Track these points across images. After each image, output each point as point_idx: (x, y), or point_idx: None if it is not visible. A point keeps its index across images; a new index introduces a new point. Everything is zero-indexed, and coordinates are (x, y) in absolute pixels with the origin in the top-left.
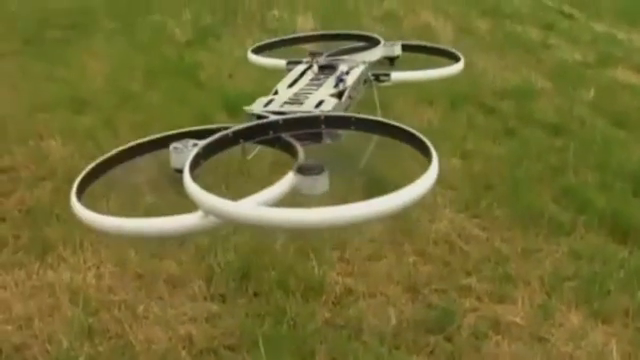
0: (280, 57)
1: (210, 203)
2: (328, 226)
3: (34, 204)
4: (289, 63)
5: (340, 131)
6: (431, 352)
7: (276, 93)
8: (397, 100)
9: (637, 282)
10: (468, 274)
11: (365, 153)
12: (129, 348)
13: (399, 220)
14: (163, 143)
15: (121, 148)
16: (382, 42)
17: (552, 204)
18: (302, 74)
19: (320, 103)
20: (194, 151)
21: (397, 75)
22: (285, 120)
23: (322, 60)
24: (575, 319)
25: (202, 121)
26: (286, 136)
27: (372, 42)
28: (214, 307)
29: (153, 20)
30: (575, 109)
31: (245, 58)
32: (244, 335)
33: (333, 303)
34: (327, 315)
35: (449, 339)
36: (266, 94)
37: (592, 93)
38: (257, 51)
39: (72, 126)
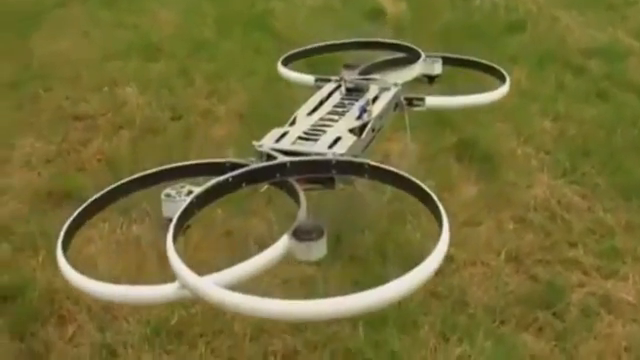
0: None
1: (182, 277)
2: (293, 320)
3: (113, 154)
4: (317, 80)
5: (354, 178)
6: (540, 329)
7: (294, 122)
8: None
9: None
10: (572, 245)
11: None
12: (220, 314)
13: (495, 184)
14: (156, 179)
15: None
16: (422, 56)
17: None
18: (328, 96)
19: (337, 140)
20: (186, 202)
21: (432, 100)
22: (293, 163)
23: (351, 80)
24: None
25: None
26: (293, 181)
27: (411, 53)
28: (308, 270)
29: None
30: None
31: (318, 8)
32: None
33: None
34: (428, 284)
35: (558, 316)
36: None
37: None
38: (287, 61)
39: (146, 74)
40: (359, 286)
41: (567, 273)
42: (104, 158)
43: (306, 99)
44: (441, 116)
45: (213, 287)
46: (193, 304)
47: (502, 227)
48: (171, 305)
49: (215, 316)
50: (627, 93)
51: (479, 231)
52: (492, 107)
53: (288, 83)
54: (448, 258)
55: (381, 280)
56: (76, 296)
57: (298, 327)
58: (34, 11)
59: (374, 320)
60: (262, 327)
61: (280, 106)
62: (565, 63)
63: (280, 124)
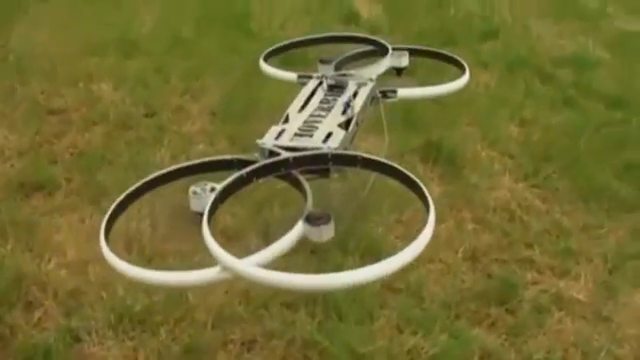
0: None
1: (225, 261)
2: (322, 291)
3: (85, 147)
4: (300, 77)
5: (348, 168)
6: (492, 324)
7: (287, 119)
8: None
9: None
10: (529, 246)
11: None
12: (185, 300)
13: (457, 185)
14: (174, 176)
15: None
16: (390, 49)
17: (613, 179)
18: (312, 93)
19: (329, 136)
20: (212, 197)
21: (403, 92)
22: (295, 158)
23: (332, 77)
24: (639, 300)
25: (255, 71)
26: (296, 173)
27: (379, 47)
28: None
29: None
30: (636, 81)
31: (296, 10)
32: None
33: None
34: (385, 278)
35: (511, 312)
36: None
37: None
38: (268, 56)
39: (122, 70)
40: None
41: (522, 272)
42: (76, 152)
43: (277, 98)
44: (409, 118)
45: (253, 268)
46: (156, 292)
47: (462, 227)
48: (134, 292)
49: (177, 304)
50: (593, 101)
51: (440, 230)
52: (460, 110)
53: (261, 82)
54: None
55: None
56: (44, 282)
57: (257, 315)
58: (15, 4)
59: (329, 308)
60: (222, 316)
61: (251, 104)
62: (535, 71)
63: (250, 122)
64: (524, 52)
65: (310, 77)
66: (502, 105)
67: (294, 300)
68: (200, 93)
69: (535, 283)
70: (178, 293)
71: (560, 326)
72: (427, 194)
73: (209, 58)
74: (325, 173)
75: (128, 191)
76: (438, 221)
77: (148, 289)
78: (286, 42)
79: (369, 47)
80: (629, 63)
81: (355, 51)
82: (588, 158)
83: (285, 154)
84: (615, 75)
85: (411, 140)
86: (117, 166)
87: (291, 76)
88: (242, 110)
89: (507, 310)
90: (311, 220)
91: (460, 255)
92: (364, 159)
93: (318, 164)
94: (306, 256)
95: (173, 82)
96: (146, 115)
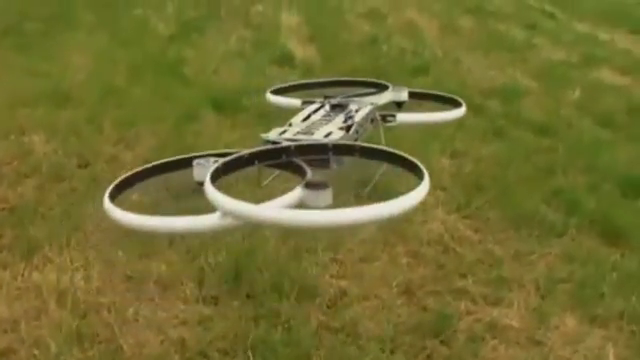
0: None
1: (230, 206)
2: (336, 227)
3: (18, 202)
4: (304, 102)
5: (345, 158)
6: (428, 356)
7: (290, 125)
8: None
9: (630, 285)
10: (462, 276)
11: (371, 180)
12: (119, 353)
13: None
14: (188, 162)
15: (150, 165)
16: (390, 87)
17: (543, 206)
18: (315, 111)
19: (329, 134)
20: (214, 166)
21: (402, 116)
22: (296, 146)
23: (334, 99)
24: (570, 322)
25: (188, 118)
26: (297, 160)
27: (381, 87)
28: (206, 310)
29: (135, 13)
30: (561, 109)
31: (229, 54)
32: (237, 339)
33: (327, 306)
34: (322, 318)
35: (446, 343)
36: (251, 91)
37: (577, 93)
38: (275, 93)
39: (55, 121)
40: (257, 323)
41: (456, 302)
42: (8, 207)
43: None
44: None
45: (256, 207)
46: (90, 347)
47: (396, 261)
48: (69, 348)
49: (112, 358)
50: (522, 130)
51: (374, 266)
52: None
53: (195, 129)
54: (341, 293)
55: (278, 316)
56: None
57: None
58: None
59: (266, 352)
60: None
61: (185, 152)
62: (466, 103)
63: None
64: (454, 85)
65: (314, 102)
66: (434, 138)
67: (231, 346)
68: (134, 142)
69: (469, 313)
70: (113, 347)
71: (494, 354)
72: (422, 166)
73: (143, 106)
74: (325, 164)
75: (136, 170)
76: (371, 258)
77: (81, 343)
78: (293, 82)
79: (372, 88)
80: (555, 91)
81: (358, 92)
82: (518, 186)
83: (288, 142)
84: (542, 104)
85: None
86: (50, 219)
87: (296, 102)
88: None
89: (442, 342)
90: (310, 186)
91: (395, 290)
92: (362, 147)
93: (318, 153)
94: (242, 301)
95: (106, 131)
96: (79, 166)
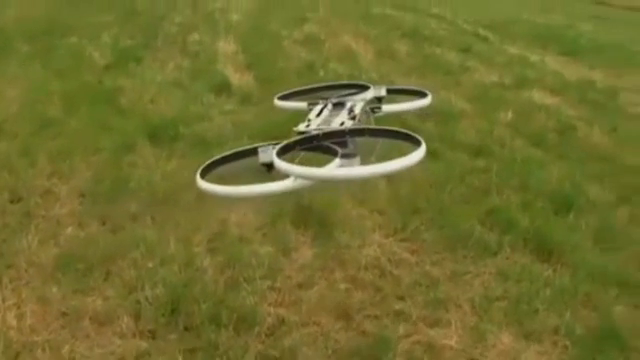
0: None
1: (301, 171)
2: (370, 177)
3: None
4: (309, 104)
5: (358, 139)
6: None
7: (309, 120)
8: None
9: (563, 300)
10: (400, 299)
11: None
12: None
13: (329, 246)
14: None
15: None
16: (371, 87)
17: (478, 225)
18: (322, 109)
19: (342, 123)
20: (275, 150)
21: (386, 108)
22: (324, 133)
23: (334, 99)
24: (506, 339)
25: (124, 148)
26: (327, 143)
27: (364, 87)
28: (143, 344)
29: (70, 43)
30: (495, 130)
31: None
32: None
33: (266, 335)
34: (260, 347)
35: None
36: (188, 119)
37: (510, 114)
38: (281, 99)
39: None
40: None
41: (394, 325)
42: None
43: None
44: None
45: (319, 169)
46: None
47: (334, 287)
48: None
49: None
50: (457, 152)
51: (312, 292)
52: None
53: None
54: (280, 321)
55: (216, 347)
56: None
57: None
58: None
59: None
60: None
61: (121, 183)
62: (401, 126)
63: (121, 201)
64: None
65: (317, 103)
66: None
67: None
68: (69, 174)
69: (408, 335)
70: None
71: None
72: (419, 137)
73: (78, 137)
74: (344, 144)
75: (215, 157)
76: (309, 284)
77: None
78: (295, 89)
79: (356, 89)
80: (488, 113)
81: (348, 92)
82: (453, 207)
83: (316, 131)
84: (476, 125)
85: (282, 204)
86: None
87: (303, 105)
88: (112, 190)
89: None
90: (345, 156)
91: (333, 316)
92: (370, 129)
93: (339, 137)
94: (180, 333)
95: (40, 165)
96: (11, 201)
